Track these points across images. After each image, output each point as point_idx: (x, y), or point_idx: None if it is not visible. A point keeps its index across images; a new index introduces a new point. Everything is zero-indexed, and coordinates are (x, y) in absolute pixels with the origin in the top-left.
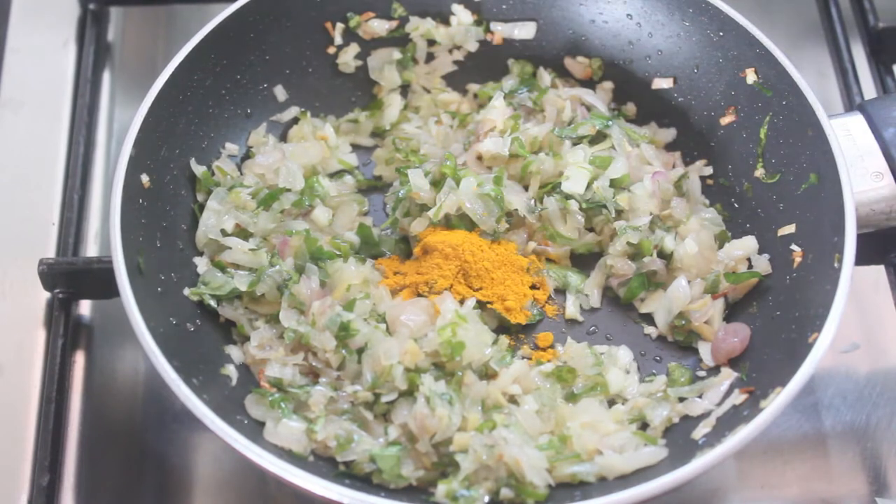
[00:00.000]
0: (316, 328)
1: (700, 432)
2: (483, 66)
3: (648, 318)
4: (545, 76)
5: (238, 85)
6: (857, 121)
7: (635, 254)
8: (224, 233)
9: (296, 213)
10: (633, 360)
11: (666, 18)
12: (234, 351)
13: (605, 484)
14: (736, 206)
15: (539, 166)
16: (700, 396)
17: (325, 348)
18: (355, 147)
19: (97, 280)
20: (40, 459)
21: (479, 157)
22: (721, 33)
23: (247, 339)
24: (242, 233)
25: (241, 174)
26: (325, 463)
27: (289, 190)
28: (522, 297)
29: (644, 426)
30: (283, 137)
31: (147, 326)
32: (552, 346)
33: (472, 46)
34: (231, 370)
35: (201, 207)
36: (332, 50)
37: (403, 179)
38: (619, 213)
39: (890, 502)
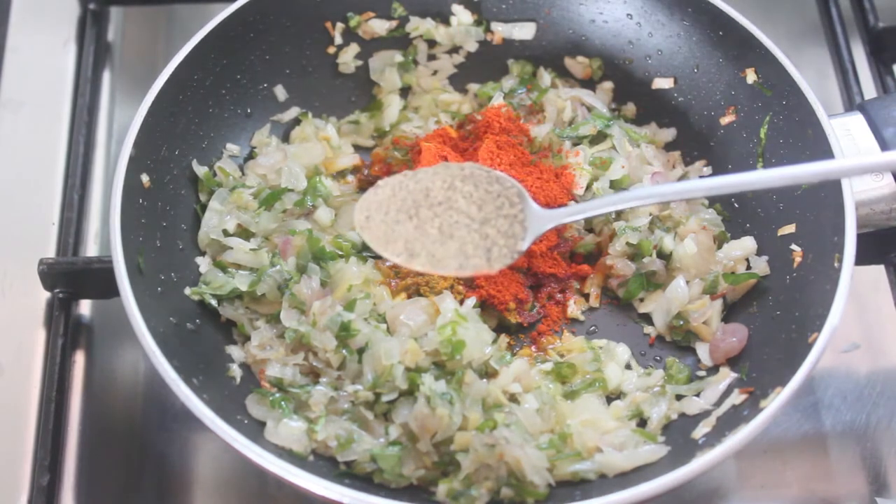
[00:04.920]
0: (316, 328)
1: (700, 432)
2: (483, 66)
3: (648, 318)
4: (545, 76)
5: (238, 85)
6: (857, 121)
7: (635, 254)
8: (226, 233)
9: (298, 213)
10: (630, 357)
11: (666, 18)
12: (234, 351)
13: (606, 483)
14: (736, 206)
15: None
16: (698, 395)
17: (325, 348)
18: (357, 148)
19: (97, 280)
20: (40, 459)
21: None
22: (721, 33)
23: (247, 338)
24: (244, 233)
25: (244, 175)
26: (326, 463)
27: (291, 190)
28: (522, 296)
29: (643, 423)
30: (286, 138)
31: (147, 326)
32: (552, 346)
33: (472, 46)
34: (235, 370)
35: (203, 208)
36: (332, 50)
37: None
38: (619, 214)
39: (890, 502)
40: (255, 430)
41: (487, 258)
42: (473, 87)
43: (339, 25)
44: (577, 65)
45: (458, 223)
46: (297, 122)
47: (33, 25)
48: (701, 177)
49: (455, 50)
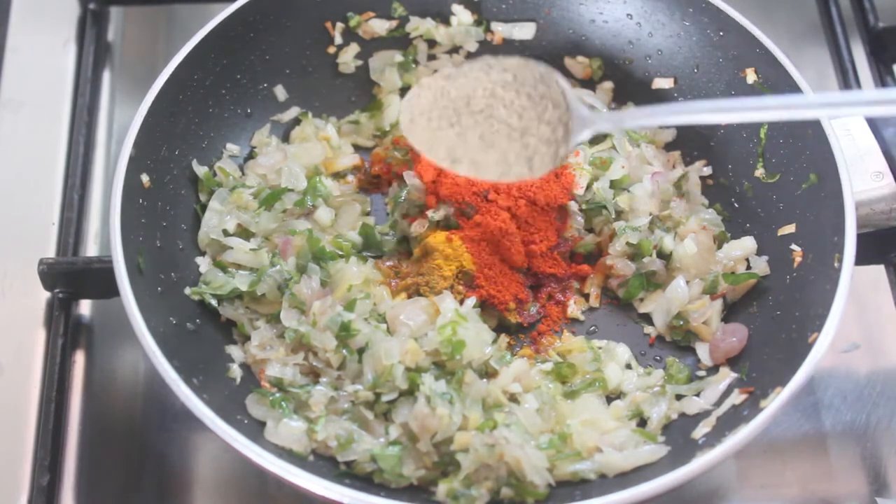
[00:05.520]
0: (317, 328)
1: (700, 432)
2: None
3: (648, 318)
4: None
5: (238, 85)
6: (857, 120)
7: (635, 254)
8: (226, 233)
9: (298, 213)
10: (630, 357)
11: (666, 18)
12: (234, 350)
13: (606, 483)
14: (736, 205)
15: None
16: (698, 395)
17: (325, 348)
18: (357, 148)
19: (97, 280)
20: (40, 459)
21: None
22: (721, 33)
23: (247, 338)
24: (244, 233)
25: (244, 175)
26: (326, 463)
27: (291, 190)
28: (522, 296)
29: (643, 423)
30: (286, 138)
31: (147, 326)
32: (552, 346)
33: (472, 46)
34: (235, 370)
35: (203, 208)
36: (332, 50)
37: (401, 183)
38: (619, 214)
39: (890, 502)
40: (255, 430)
41: (529, 166)
42: None
43: (339, 25)
44: (577, 65)
45: (499, 132)
46: (297, 122)
47: (33, 25)
48: (701, 177)
49: (455, 50)
